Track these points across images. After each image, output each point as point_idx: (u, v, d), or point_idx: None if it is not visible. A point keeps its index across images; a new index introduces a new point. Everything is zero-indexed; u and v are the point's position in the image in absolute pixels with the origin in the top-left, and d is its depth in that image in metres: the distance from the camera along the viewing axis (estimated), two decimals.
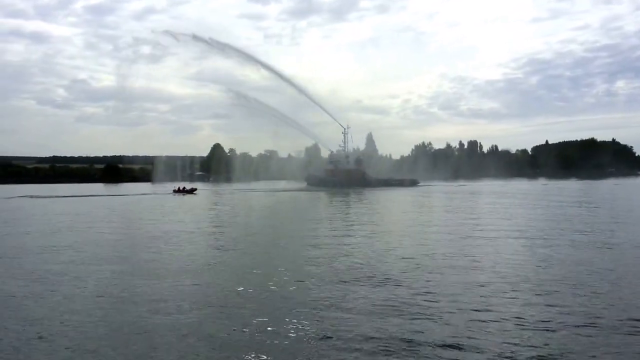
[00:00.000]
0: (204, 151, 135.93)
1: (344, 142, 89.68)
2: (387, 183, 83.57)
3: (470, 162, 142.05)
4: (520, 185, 79.71)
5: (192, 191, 67.61)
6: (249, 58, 79.57)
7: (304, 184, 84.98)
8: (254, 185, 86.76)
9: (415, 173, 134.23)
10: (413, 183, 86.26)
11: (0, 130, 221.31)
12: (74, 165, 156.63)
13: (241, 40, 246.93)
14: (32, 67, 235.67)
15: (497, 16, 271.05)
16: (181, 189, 68.06)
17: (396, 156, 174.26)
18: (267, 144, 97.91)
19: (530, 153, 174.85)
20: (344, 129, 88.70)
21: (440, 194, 57.36)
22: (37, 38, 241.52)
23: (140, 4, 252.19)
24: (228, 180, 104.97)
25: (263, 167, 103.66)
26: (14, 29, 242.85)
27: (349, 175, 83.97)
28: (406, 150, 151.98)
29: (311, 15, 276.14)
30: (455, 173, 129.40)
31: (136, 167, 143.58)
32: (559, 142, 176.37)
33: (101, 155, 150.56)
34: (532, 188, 68.90)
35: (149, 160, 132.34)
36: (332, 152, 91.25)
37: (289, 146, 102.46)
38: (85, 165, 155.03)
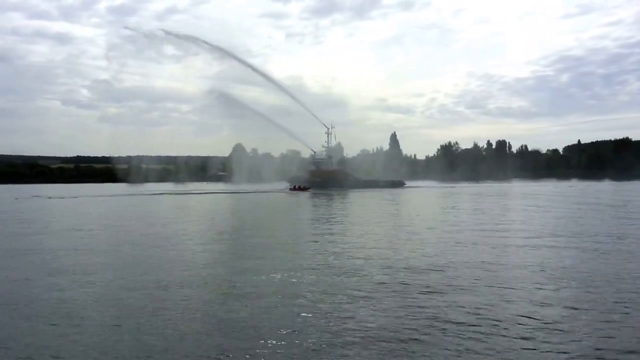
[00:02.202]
0: (225, 151, 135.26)
1: (327, 143, 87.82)
2: (371, 184, 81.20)
3: (499, 162, 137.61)
4: (533, 188, 76.27)
5: (305, 189, 74.34)
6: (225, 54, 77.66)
7: (285, 185, 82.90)
8: (272, 185, 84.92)
9: (433, 174, 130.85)
10: (398, 184, 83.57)
11: (26, 130, 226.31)
12: (98, 165, 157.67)
13: (262, 39, 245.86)
14: (56, 68, 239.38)
15: (526, 12, 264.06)
16: (297, 187, 75.36)
17: (421, 156, 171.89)
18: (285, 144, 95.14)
19: (561, 153, 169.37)
20: (327, 128, 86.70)
21: (415, 196, 54.64)
22: (61, 39, 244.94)
23: (162, 4, 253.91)
24: (251, 180, 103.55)
25: (288, 167, 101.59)
26: (38, 30, 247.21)
27: (332, 176, 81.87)
28: (431, 150, 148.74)
29: (333, 14, 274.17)
30: (475, 173, 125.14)
31: (158, 167, 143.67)
32: (592, 142, 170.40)
33: (124, 155, 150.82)
34: (545, 190, 65.56)
35: (171, 161, 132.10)
36: (314, 152, 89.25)
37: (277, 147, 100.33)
38: (108, 165, 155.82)
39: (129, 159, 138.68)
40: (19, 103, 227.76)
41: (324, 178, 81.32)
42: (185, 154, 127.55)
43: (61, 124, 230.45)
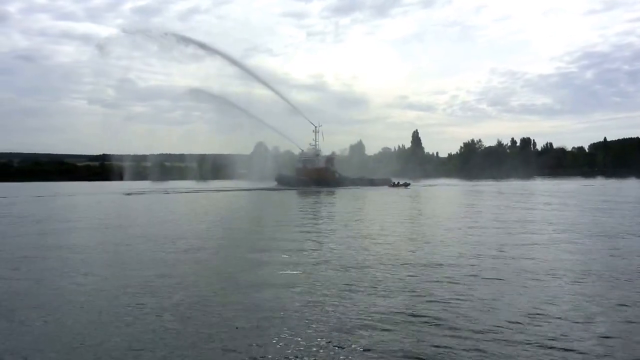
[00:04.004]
0: (247, 149, 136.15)
1: (315, 141, 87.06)
2: (358, 182, 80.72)
3: (523, 160, 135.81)
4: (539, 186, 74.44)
5: (406, 185, 74.34)
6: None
7: (274, 183, 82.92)
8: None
9: (455, 172, 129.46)
10: (386, 182, 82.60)
11: (53, 129, 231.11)
12: (125, 164, 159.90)
13: (283, 38, 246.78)
14: (82, 68, 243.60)
15: (549, 8, 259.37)
16: (396, 183, 76.00)
17: (443, 154, 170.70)
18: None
19: (587, 151, 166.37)
20: (315, 127, 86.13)
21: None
22: (87, 39, 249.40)
23: (185, 5, 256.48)
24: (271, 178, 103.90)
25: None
26: (65, 31, 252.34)
27: (319, 174, 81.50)
28: (454, 148, 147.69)
29: (354, 12, 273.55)
30: (498, 171, 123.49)
31: (182, 165, 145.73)
32: (618, 139, 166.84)
33: (148, 154, 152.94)
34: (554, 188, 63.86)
35: (193, 159, 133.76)
36: (302, 150, 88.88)
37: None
38: (132, 164, 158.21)
39: (152, 157, 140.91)
40: (45, 102, 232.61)
41: (311, 176, 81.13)
42: (207, 152, 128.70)
43: (87, 123, 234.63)
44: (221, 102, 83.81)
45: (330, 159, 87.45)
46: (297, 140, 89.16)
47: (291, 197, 53.25)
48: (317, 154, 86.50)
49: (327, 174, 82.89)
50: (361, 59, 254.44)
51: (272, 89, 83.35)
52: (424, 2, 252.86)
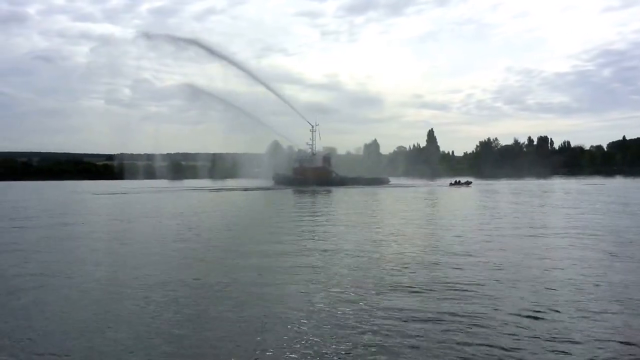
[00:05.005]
0: (262, 148, 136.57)
1: (312, 140, 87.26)
2: (355, 182, 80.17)
3: (540, 159, 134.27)
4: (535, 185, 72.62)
5: (467, 184, 72.21)
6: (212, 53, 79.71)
7: (271, 183, 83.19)
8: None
9: (471, 171, 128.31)
10: (383, 182, 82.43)
11: (71, 129, 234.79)
12: (140, 163, 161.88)
13: (298, 38, 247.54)
14: (100, 68, 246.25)
15: (566, 6, 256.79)
16: (457, 182, 73.39)
17: (459, 153, 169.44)
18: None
19: (605, 149, 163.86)
20: (312, 126, 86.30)
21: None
22: (105, 40, 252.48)
23: (200, 5, 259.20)
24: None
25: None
26: (83, 32, 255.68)
27: (315, 174, 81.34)
28: (469, 147, 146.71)
29: (368, 11, 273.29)
30: (515, 170, 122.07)
31: (198, 164, 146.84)
32: (637, 138, 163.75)
33: (165, 153, 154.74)
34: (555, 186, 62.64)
35: (209, 158, 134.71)
36: (298, 150, 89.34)
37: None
38: (149, 163, 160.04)
39: (168, 156, 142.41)
40: (64, 103, 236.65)
41: (307, 175, 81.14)
42: (224, 151, 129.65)
43: (105, 123, 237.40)
44: (214, 99, 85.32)
45: (327, 158, 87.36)
46: (294, 138, 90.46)
47: (285, 197, 52.03)
48: (314, 153, 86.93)
49: (324, 173, 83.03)
50: (376, 58, 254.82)
51: (273, 91, 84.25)
52: (439, 1, 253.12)
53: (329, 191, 61.35)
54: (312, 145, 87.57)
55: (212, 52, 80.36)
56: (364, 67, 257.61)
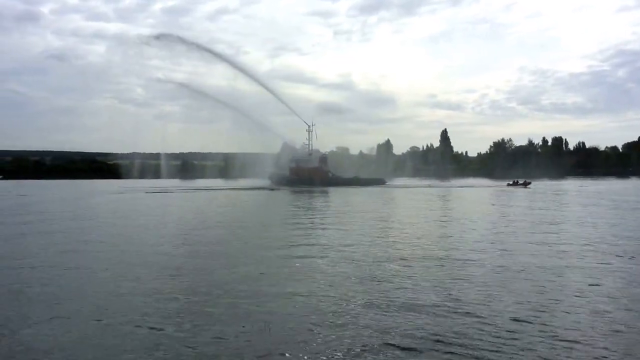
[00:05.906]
0: (274, 148, 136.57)
1: (309, 140, 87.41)
2: (351, 182, 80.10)
3: (554, 159, 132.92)
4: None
5: (526, 184, 69.48)
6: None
7: (268, 183, 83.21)
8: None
9: (485, 171, 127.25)
10: (379, 182, 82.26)
11: (84, 128, 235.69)
12: (153, 162, 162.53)
13: (311, 37, 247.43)
14: (113, 68, 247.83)
15: (581, 5, 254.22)
16: (516, 182, 71.39)
17: (472, 153, 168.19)
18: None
19: (620, 150, 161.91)
20: (309, 126, 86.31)
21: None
22: (118, 39, 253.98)
23: (213, 5, 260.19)
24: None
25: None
26: (97, 31, 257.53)
27: (312, 174, 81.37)
28: (483, 147, 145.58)
29: (381, 10, 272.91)
30: (529, 171, 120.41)
31: (209, 164, 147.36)
32: None
33: (177, 152, 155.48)
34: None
35: (220, 158, 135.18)
36: (295, 150, 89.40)
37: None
38: (160, 162, 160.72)
39: (180, 155, 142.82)
40: (77, 102, 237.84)
41: (304, 176, 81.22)
42: (235, 151, 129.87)
43: (118, 122, 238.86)
44: (204, 97, 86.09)
45: (323, 158, 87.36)
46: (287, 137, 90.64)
47: (279, 197, 51.63)
48: (310, 153, 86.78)
49: (320, 173, 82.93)
50: (389, 58, 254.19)
51: (270, 90, 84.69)
52: (452, 0, 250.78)
53: (325, 192, 60.88)
54: (308, 145, 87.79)
55: (214, 55, 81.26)
56: (377, 67, 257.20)
